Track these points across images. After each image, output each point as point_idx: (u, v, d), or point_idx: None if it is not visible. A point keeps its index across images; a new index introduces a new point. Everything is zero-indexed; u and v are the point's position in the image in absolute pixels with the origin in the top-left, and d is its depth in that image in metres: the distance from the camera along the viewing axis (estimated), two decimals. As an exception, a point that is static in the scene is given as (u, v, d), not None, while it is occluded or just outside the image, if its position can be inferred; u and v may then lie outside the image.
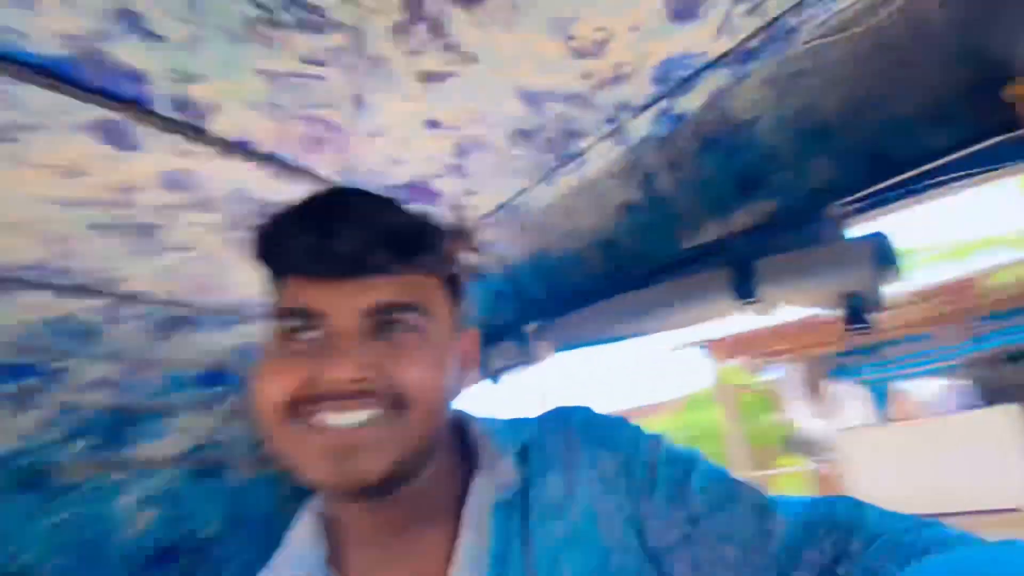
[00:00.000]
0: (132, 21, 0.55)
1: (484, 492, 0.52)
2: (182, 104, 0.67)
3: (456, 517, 0.51)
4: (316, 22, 0.58)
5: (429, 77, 0.68)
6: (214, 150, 0.74)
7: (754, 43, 0.70)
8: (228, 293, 1.23)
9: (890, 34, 0.75)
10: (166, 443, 1.70)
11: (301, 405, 0.43)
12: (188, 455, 1.75)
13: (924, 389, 4.68)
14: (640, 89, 0.75)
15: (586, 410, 0.59)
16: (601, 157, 0.89)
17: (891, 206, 0.90)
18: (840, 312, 0.81)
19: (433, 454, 0.50)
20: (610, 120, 0.81)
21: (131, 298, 1.17)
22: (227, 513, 1.82)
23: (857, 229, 0.86)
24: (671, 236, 1.02)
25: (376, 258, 0.45)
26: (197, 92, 0.65)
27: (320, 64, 0.64)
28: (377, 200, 0.50)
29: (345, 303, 0.45)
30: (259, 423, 0.46)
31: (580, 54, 0.68)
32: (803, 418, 5.73)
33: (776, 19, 0.67)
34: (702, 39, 0.68)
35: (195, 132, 0.71)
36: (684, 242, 1.01)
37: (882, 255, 0.75)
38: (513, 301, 1.32)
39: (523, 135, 0.82)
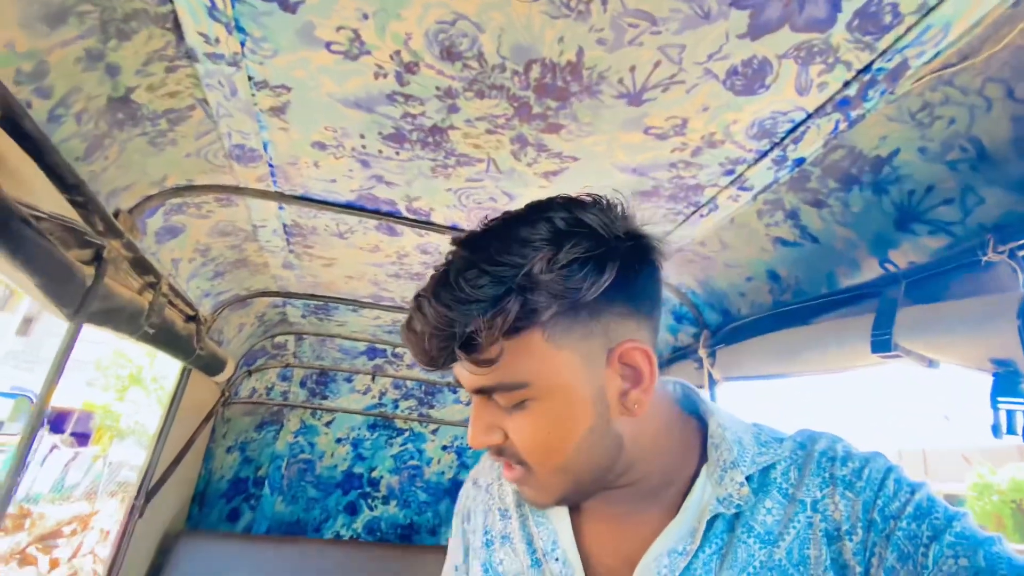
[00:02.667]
0: (380, 178, 0.96)
1: (707, 494, 0.52)
2: (415, 211, 1.08)
3: (676, 504, 0.53)
4: (466, 160, 0.88)
5: (548, 175, 0.90)
6: (438, 232, 1.14)
7: (850, 92, 0.66)
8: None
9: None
10: (455, 409, 2.37)
11: None
12: (468, 419, 2.39)
13: None
14: (743, 145, 0.79)
15: (834, 441, 0.53)
16: (733, 200, 0.93)
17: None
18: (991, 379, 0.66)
19: (612, 471, 0.52)
20: (727, 172, 0.86)
21: (422, 312, 1.76)
22: (495, 468, 2.40)
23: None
24: (829, 272, 0.94)
25: (437, 363, 0.47)
26: (419, 204, 1.05)
27: (478, 180, 0.94)
28: (430, 305, 0.46)
29: (464, 382, 0.51)
30: None
31: (662, 137, 0.78)
32: None
33: (864, 70, 0.62)
34: (784, 100, 0.69)
35: (426, 223, 1.12)
36: (842, 280, 0.92)
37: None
38: (694, 325, 1.38)
39: (644, 195, 0.94)
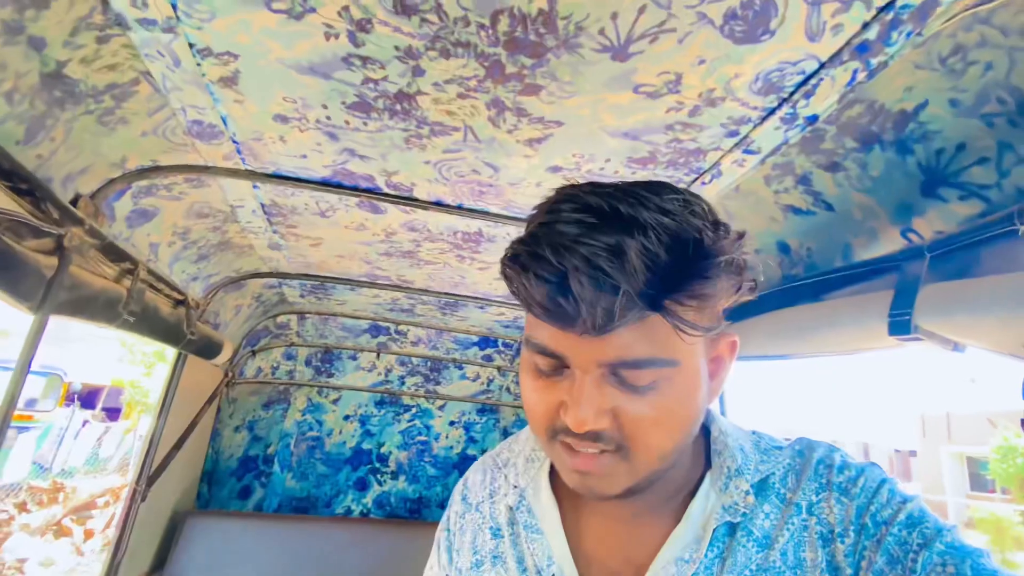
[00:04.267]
0: (352, 151, 0.89)
1: (711, 502, 0.52)
2: (395, 186, 1.01)
3: (680, 510, 0.53)
4: (441, 129, 0.80)
5: (532, 142, 0.82)
6: (423, 208, 1.07)
7: (869, 35, 0.56)
8: (472, 288, 1.64)
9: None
10: (461, 385, 2.35)
11: (555, 432, 0.47)
12: (475, 395, 2.37)
13: None
14: (746, 103, 0.70)
15: (831, 450, 0.54)
16: (738, 165, 0.84)
17: None
18: (1026, 366, 0.57)
19: (671, 468, 0.50)
20: (731, 133, 0.77)
21: (421, 291, 1.71)
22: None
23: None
24: (845, 244, 0.85)
25: (615, 323, 0.39)
26: (398, 179, 0.98)
27: (457, 151, 0.86)
28: (621, 234, 0.39)
29: (586, 354, 0.42)
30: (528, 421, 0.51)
31: (654, 96, 0.70)
32: None
33: (885, 7, 0.53)
34: (793, 48, 0.60)
35: (410, 199, 1.06)
36: (859, 252, 0.83)
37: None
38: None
39: (639, 162, 0.86)
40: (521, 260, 0.42)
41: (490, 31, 0.60)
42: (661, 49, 0.61)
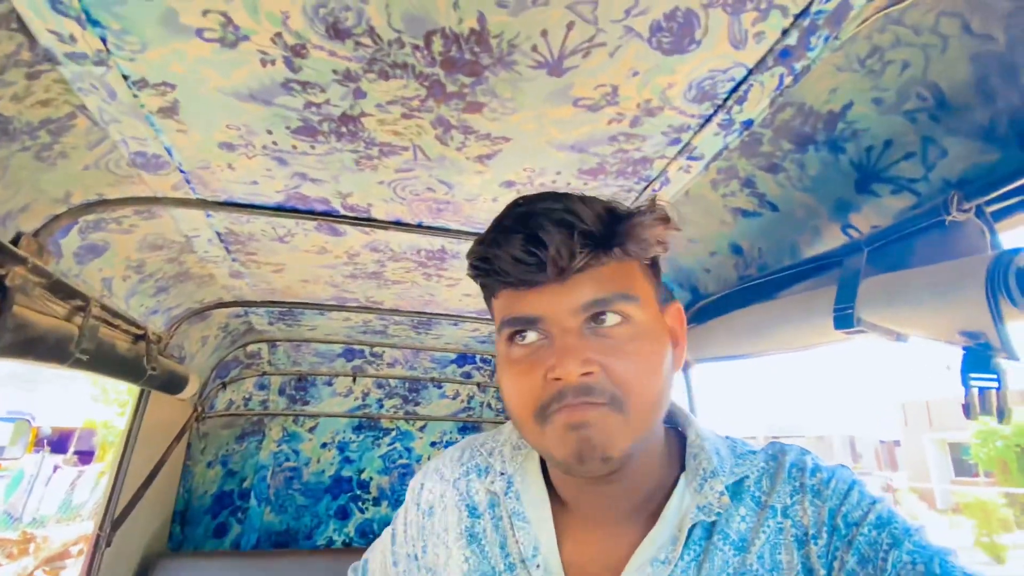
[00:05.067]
0: (304, 175, 0.89)
1: (686, 502, 0.53)
2: (352, 208, 1.01)
3: (656, 513, 0.54)
4: (390, 149, 0.81)
5: (482, 158, 0.83)
6: (382, 228, 1.07)
7: (790, 41, 0.58)
8: (443, 305, 1.63)
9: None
10: (441, 404, 2.32)
11: (545, 408, 0.48)
12: (456, 413, 2.34)
13: None
14: (684, 111, 0.72)
15: (803, 454, 0.55)
16: (684, 172, 0.85)
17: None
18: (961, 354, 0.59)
19: (649, 440, 0.52)
20: (673, 141, 0.79)
21: (391, 311, 1.69)
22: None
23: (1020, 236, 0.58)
24: (792, 242, 0.87)
25: (577, 259, 0.46)
26: (354, 201, 0.97)
27: (409, 170, 0.87)
28: (567, 200, 0.49)
29: (558, 305, 0.48)
30: (513, 419, 0.53)
31: (594, 109, 0.71)
32: None
33: (801, 14, 0.55)
34: (720, 57, 0.62)
35: (369, 220, 1.05)
36: (804, 250, 0.86)
37: (1000, 279, 0.51)
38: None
39: (589, 173, 0.87)
40: (489, 238, 0.50)
41: (425, 52, 0.61)
42: (594, 63, 0.63)
